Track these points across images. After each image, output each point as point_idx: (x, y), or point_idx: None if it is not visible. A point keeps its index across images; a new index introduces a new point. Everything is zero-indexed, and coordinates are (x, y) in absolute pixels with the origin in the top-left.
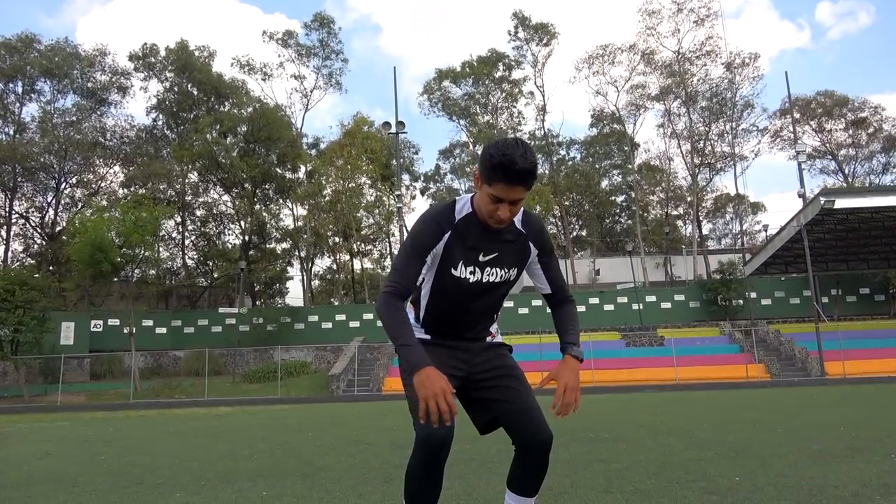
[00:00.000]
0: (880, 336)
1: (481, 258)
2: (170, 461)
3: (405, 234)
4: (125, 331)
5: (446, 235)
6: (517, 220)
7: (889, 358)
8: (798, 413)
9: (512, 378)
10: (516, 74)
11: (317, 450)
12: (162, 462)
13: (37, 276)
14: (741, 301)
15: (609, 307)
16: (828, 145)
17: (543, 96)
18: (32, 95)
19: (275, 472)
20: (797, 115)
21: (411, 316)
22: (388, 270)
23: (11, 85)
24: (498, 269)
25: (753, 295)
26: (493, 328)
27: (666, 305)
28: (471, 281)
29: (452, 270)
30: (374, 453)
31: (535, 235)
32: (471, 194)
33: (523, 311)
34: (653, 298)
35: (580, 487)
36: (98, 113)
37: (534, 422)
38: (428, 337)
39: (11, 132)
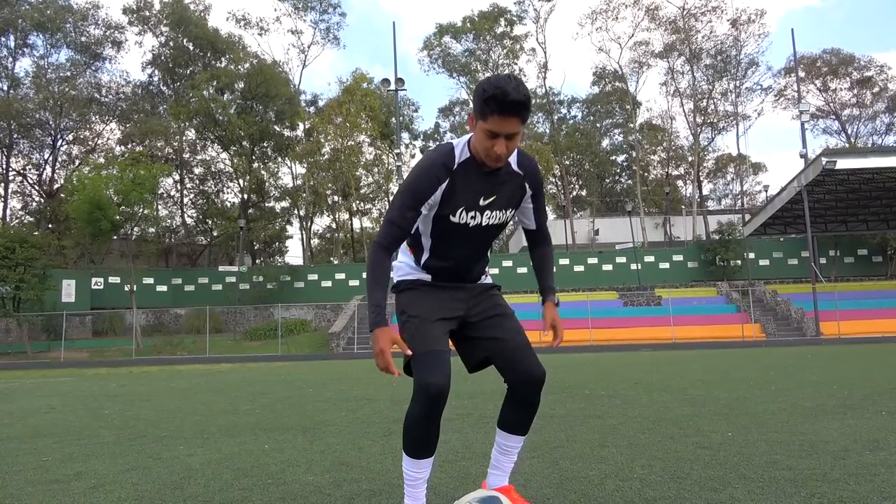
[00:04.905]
0: (875, 297)
1: (481, 202)
2: (173, 415)
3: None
4: (126, 288)
5: (444, 184)
6: (512, 160)
7: (883, 318)
8: (792, 372)
9: (505, 317)
10: (518, 30)
11: (317, 405)
12: (165, 416)
13: (36, 233)
14: (739, 261)
15: (608, 267)
16: (832, 105)
17: (545, 53)
18: (25, 50)
19: (276, 426)
20: (802, 74)
21: (411, 260)
22: (383, 219)
23: (3, 39)
24: (497, 213)
25: (752, 255)
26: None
27: (664, 265)
28: (471, 226)
29: (451, 217)
30: (374, 408)
31: (531, 175)
32: (467, 137)
33: (522, 270)
34: (651, 258)
35: (576, 442)
36: (93, 68)
37: (527, 359)
38: (429, 278)
39: (5, 88)
